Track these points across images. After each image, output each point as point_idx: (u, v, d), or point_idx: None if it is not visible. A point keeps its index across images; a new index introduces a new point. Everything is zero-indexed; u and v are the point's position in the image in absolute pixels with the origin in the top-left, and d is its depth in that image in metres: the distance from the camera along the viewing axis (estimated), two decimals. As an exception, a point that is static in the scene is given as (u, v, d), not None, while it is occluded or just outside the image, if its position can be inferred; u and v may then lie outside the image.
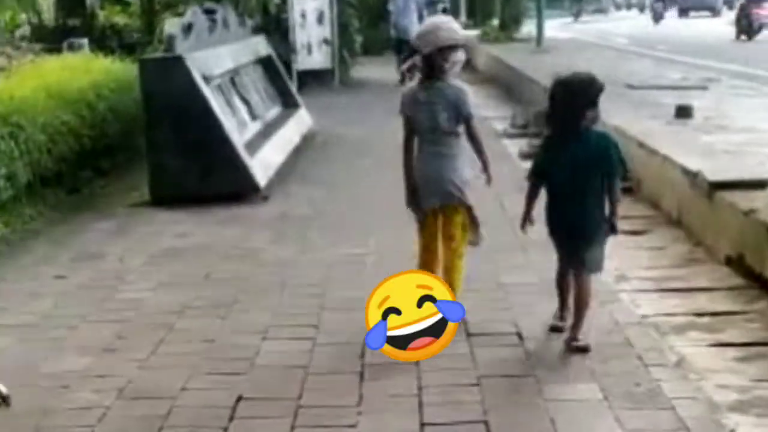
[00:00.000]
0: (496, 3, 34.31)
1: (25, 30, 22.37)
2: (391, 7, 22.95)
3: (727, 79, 17.58)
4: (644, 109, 12.72)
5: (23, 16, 23.08)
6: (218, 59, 10.84)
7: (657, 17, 38.14)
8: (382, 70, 23.60)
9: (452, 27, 5.94)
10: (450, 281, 5.76)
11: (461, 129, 5.97)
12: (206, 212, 9.20)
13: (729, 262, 7.08)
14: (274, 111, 13.40)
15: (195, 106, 9.41)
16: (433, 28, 5.91)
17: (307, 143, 13.24)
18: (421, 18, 20.78)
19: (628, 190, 9.68)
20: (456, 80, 5.95)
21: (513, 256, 7.37)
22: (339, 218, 8.86)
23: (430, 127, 5.97)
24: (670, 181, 8.57)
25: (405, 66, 6.85)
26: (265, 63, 13.92)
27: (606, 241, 5.69)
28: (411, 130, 6.16)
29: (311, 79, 20.77)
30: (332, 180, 10.74)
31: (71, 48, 15.67)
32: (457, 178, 5.95)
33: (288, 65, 20.04)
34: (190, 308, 6.42)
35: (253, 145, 10.65)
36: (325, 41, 20.85)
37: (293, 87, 14.47)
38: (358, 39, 22.78)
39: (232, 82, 11.70)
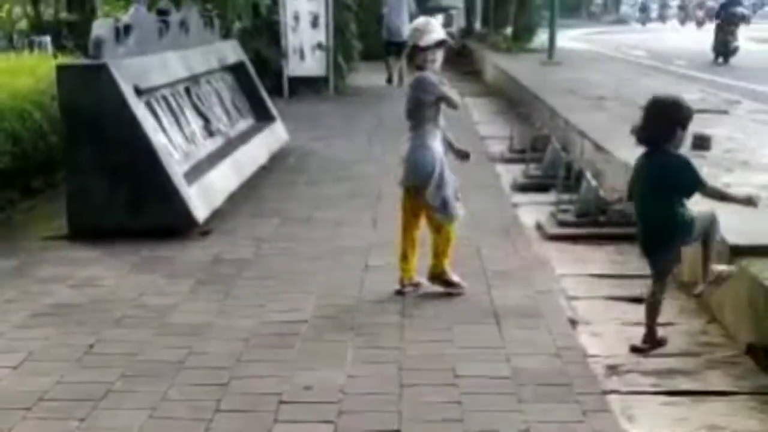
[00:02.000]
0: (510, 12, 32.61)
1: (23, 24, 21.18)
2: (384, 10, 22.14)
3: (749, 102, 15.94)
4: (657, 137, 11.13)
5: (17, 10, 21.83)
6: (164, 67, 9.31)
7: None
8: (381, 78, 22.04)
9: (431, 28, 6.39)
10: (435, 248, 6.57)
11: (433, 117, 6.46)
12: (128, 251, 7.69)
13: (752, 352, 5.51)
14: (243, 125, 11.86)
15: (121, 123, 7.91)
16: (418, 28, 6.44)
17: (276, 163, 11.71)
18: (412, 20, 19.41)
19: (632, 237, 8.13)
20: (428, 72, 6.38)
21: (477, 332, 5.78)
22: (281, 266, 7.33)
23: (407, 115, 6.56)
24: (682, 234, 6.98)
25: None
26: (236, 71, 12.36)
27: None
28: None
29: (303, 86, 19.28)
30: (290, 212, 9.20)
31: (31, 46, 14.22)
32: (422, 167, 6.46)
33: (279, 72, 18.59)
34: (45, 400, 4.88)
35: (201, 169, 9.12)
36: (320, 46, 19.33)
37: (267, 97, 12.89)
38: (356, 45, 21.19)
39: (187, 92, 10.15)
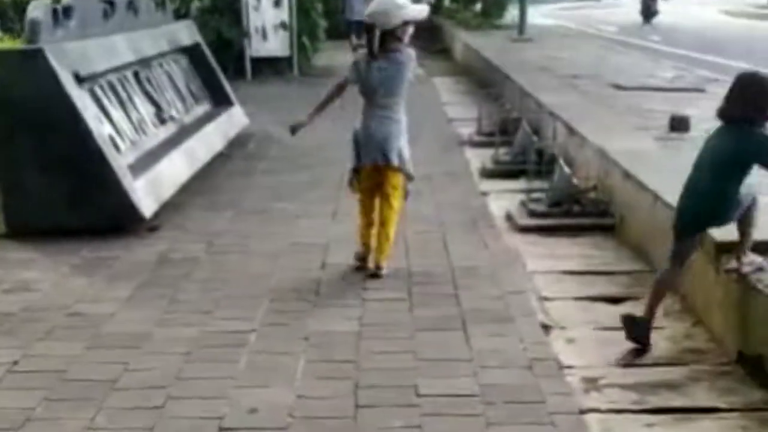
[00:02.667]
0: (480, -13, 32.03)
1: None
2: None
3: (728, 78, 15.48)
4: (632, 118, 10.66)
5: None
6: (109, 51, 8.75)
7: (646, 12, 31.71)
8: (347, 57, 21.40)
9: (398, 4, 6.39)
10: (386, 233, 6.53)
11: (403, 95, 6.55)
12: (68, 251, 7.16)
13: (742, 360, 5.05)
14: (199, 110, 11.30)
15: (58, 113, 7.35)
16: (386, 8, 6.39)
17: (235, 149, 11.16)
18: None
19: (608, 228, 7.68)
20: (407, 49, 6.48)
21: (442, 342, 5.29)
22: (232, 266, 6.81)
23: (383, 92, 6.50)
24: (662, 228, 6.49)
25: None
26: (191, 53, 11.79)
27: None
28: (341, 86, 6.92)
29: (267, 67, 18.69)
30: (246, 203, 8.68)
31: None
32: (401, 143, 6.57)
33: (241, 53, 18.01)
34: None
35: (150, 159, 8.56)
36: (283, 25, 18.73)
37: (224, 81, 12.32)
38: (322, 23, 20.56)
39: (136, 77, 9.58)
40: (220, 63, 17.72)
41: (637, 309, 5.92)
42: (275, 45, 18.72)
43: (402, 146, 6.57)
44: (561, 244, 7.43)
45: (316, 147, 11.34)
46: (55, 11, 7.94)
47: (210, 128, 10.65)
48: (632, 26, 31.49)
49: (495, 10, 29.43)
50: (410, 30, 6.48)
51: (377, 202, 6.63)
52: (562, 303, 6.10)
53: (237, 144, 11.40)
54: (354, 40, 22.53)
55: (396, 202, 6.59)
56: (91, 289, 6.30)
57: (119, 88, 8.90)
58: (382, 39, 6.39)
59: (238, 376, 4.88)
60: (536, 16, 33.37)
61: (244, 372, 4.93)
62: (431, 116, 13.67)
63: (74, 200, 7.47)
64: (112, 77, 8.83)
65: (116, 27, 9.40)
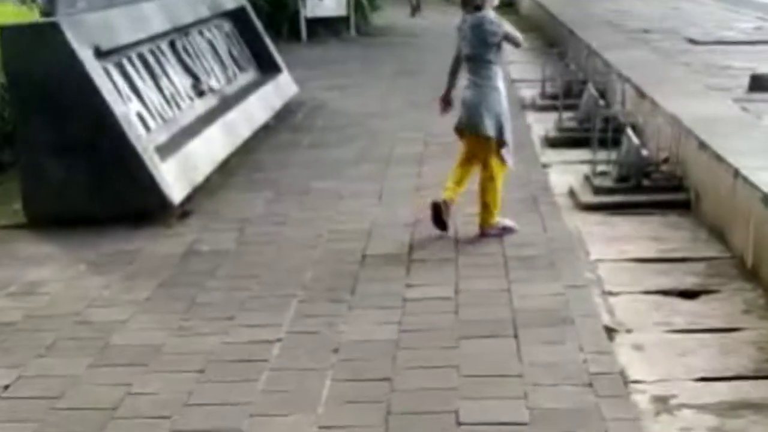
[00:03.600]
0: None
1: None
2: None
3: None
4: (708, 77, 9.82)
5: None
6: (138, 21, 8.17)
7: None
8: (406, 15, 20.71)
9: None
10: (481, 200, 6.36)
11: (496, 59, 6.31)
12: (88, 244, 6.61)
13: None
14: (244, 79, 10.70)
15: (76, 91, 6.80)
16: None
17: (281, 120, 10.55)
18: None
19: (682, 205, 6.92)
20: (487, 11, 6.23)
21: (490, 352, 4.62)
22: (263, 259, 6.20)
23: (467, 56, 6.34)
24: (744, 207, 5.76)
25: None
26: (235, 18, 11.16)
27: None
28: (457, 57, 6.55)
29: (323, 28, 18.00)
30: (287, 182, 8.07)
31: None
32: (491, 111, 6.24)
33: (296, 13, 17.35)
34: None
35: (183, 137, 7.99)
36: (340, -16, 18.02)
37: (272, 46, 11.67)
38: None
39: (172, 47, 8.99)
40: (275, 25, 17.28)
41: (714, 304, 5.22)
42: (331, 4, 18.05)
43: (497, 115, 6.25)
44: (629, 225, 6.71)
45: (368, 115, 10.74)
46: (74, -19, 7.34)
47: (253, 99, 10.03)
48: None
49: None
50: None
51: (473, 167, 6.45)
52: (630, 299, 5.38)
53: (284, 114, 10.79)
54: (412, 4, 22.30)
55: (490, 171, 6.33)
56: (106, 290, 5.73)
57: (151, 61, 8.32)
58: None
59: (255, 400, 4.26)
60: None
61: (262, 395, 4.31)
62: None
63: (96, 187, 6.93)
64: (143, 49, 8.25)
65: (148, -6, 8.79)
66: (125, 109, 7.05)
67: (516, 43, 6.39)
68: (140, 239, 6.64)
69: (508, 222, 6.44)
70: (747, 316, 5.05)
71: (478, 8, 6.21)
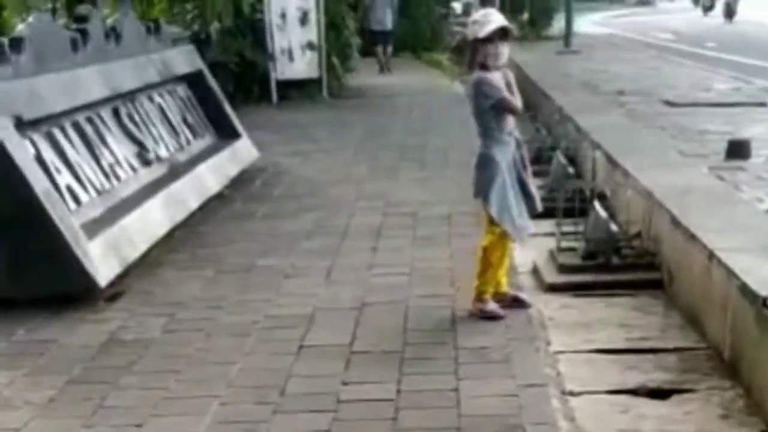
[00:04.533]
0: (525, -3, 30.64)
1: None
2: (367, 2, 22.83)
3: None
4: (684, 142, 9.27)
5: None
6: (73, 87, 7.55)
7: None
8: (389, 76, 20.19)
9: (491, 18, 5.62)
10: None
11: (492, 124, 5.74)
12: (1, 329, 5.94)
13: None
14: (198, 145, 10.10)
15: (-7, 166, 6.13)
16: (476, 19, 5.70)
17: (238, 188, 9.92)
18: (399, 10, 23.59)
19: (654, 285, 6.31)
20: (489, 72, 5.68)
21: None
22: (190, 350, 5.55)
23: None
24: (720, 293, 5.15)
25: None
26: (191, 82, 10.58)
27: None
28: None
29: (295, 90, 17.45)
30: (231, 258, 7.44)
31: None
32: (480, 175, 5.80)
33: (266, 75, 16.82)
34: None
35: (120, 210, 7.34)
36: (310, 45, 17.50)
37: (230, 111, 11.07)
38: (355, 41, 19.32)
39: (115, 114, 8.39)
40: (245, 87, 16.77)
41: (688, 407, 4.60)
42: (302, 66, 17.50)
43: (484, 180, 5.76)
44: (596, 308, 6.10)
45: (329, 182, 10.14)
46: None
47: (206, 167, 9.42)
48: (689, 33, 29.88)
49: (542, 20, 28.05)
50: (494, 50, 5.61)
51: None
52: (592, 400, 4.75)
53: (241, 182, 10.16)
54: (379, 51, 22.74)
55: (482, 239, 5.88)
56: (8, 388, 5.06)
57: (88, 130, 7.72)
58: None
59: None
60: (587, 24, 32.01)
61: None
62: (462, 141, 12.34)
63: (14, 267, 6.28)
64: (79, 117, 7.65)
65: (90, 59, 8.20)
66: (47, 183, 6.40)
67: (511, 111, 5.74)
68: (59, 326, 5.99)
69: (491, 306, 5.82)
70: (725, 422, 4.42)
71: (484, 67, 5.66)
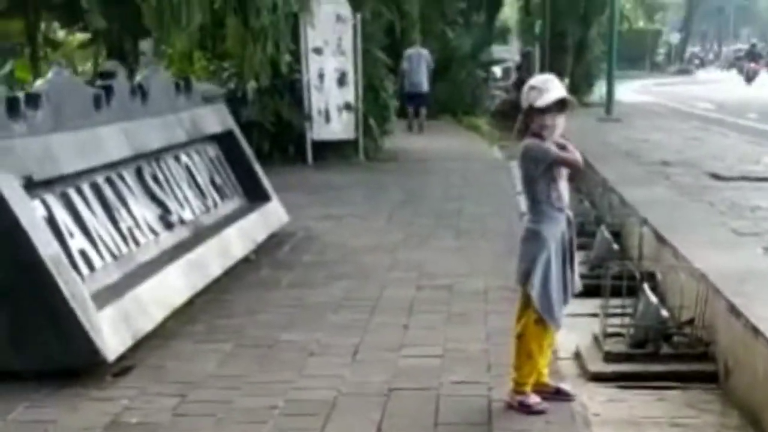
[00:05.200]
0: (567, 63, 30.19)
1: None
2: (404, 65, 22.60)
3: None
4: (735, 219, 8.68)
5: None
6: (92, 147, 7.12)
7: (749, 77, 37.02)
8: (427, 139, 19.72)
9: (550, 86, 5.07)
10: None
11: (546, 194, 5.14)
12: (1, 408, 5.41)
13: None
14: (226, 208, 9.62)
15: (-3, 228, 5.66)
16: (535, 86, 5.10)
17: (266, 253, 9.42)
18: (433, 75, 23.52)
19: (708, 378, 5.70)
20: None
21: None
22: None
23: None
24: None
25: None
26: (221, 142, 10.14)
27: None
28: None
29: (330, 152, 17.00)
30: (253, 331, 6.92)
31: None
32: (523, 255, 5.21)
33: (302, 136, 16.40)
34: None
35: (133, 278, 6.86)
36: (347, 107, 17.08)
37: (260, 172, 10.59)
38: (393, 103, 18.90)
39: (138, 175, 7.94)
40: (280, 147, 16.34)
41: None
42: (339, 127, 17.08)
43: (527, 260, 5.20)
44: (645, 403, 5.54)
45: (361, 249, 9.61)
46: (11, 101, 6.30)
47: (232, 231, 8.93)
48: (729, 103, 29.29)
49: (582, 87, 27.58)
50: (550, 121, 5.06)
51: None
52: None
53: (269, 246, 9.66)
54: (410, 111, 22.71)
55: (520, 326, 5.29)
56: (-6, 478, 4.54)
57: (107, 191, 7.25)
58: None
59: None
60: (627, 92, 31.49)
61: None
62: (500, 208, 11.86)
63: (18, 338, 5.78)
64: (98, 177, 7.19)
65: (114, 117, 7.76)
66: (55, 248, 5.92)
67: (571, 165, 5.20)
68: (61, 404, 5.47)
69: (531, 399, 5.24)
70: None
71: (537, 137, 5.11)
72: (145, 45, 25.96)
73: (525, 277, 5.23)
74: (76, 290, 5.88)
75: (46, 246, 5.80)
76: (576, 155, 5.18)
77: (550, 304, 5.20)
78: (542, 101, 5.02)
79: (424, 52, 23.48)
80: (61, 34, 27.09)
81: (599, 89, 26.86)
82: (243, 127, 14.86)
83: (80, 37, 25.56)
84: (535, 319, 5.24)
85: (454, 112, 27.11)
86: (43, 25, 24.39)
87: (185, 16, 15.04)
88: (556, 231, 5.20)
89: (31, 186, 6.08)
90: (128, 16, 16.46)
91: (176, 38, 16.56)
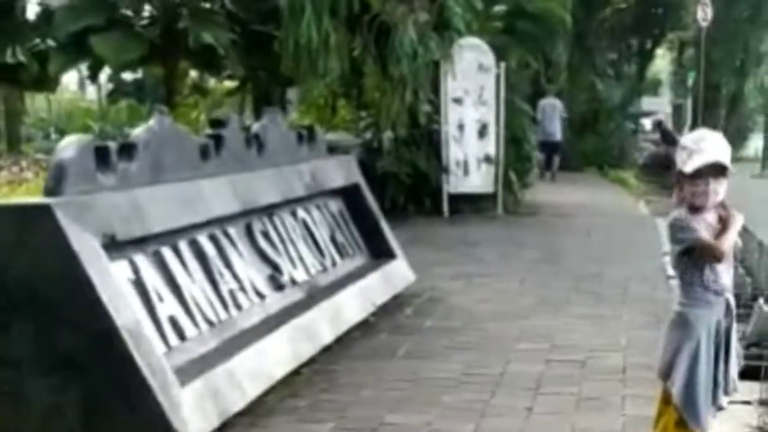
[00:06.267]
0: (719, 115, 28.72)
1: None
2: (538, 115, 22.15)
3: None
4: None
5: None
6: (194, 201, 6.46)
7: None
8: (569, 191, 18.70)
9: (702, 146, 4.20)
10: None
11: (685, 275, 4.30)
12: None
13: None
14: (346, 267, 8.87)
15: (69, 294, 5.05)
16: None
17: (386, 315, 8.64)
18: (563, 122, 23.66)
19: None
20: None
21: None
22: None
23: None
24: None
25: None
26: (345, 196, 9.42)
27: None
28: None
29: (467, 204, 16.16)
30: (356, 410, 6.13)
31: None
32: (666, 344, 4.39)
33: (439, 187, 15.63)
34: None
35: (229, 348, 6.14)
36: (487, 159, 16.24)
37: (386, 228, 9.80)
38: (535, 155, 17.98)
39: (248, 232, 7.26)
40: (416, 199, 15.60)
41: None
42: (478, 181, 16.24)
43: (670, 351, 4.39)
44: None
45: (489, 315, 8.75)
46: (101, 150, 5.69)
47: (349, 292, 8.17)
48: None
49: (737, 140, 26.12)
50: (702, 187, 4.25)
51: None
52: None
53: (390, 308, 8.87)
54: (543, 166, 22.42)
55: (655, 423, 4.53)
56: None
57: (208, 249, 6.58)
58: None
59: None
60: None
61: None
62: (644, 271, 10.81)
63: (88, 414, 5.12)
64: (199, 234, 6.53)
65: (223, 168, 7.12)
66: (134, 316, 5.23)
67: (711, 256, 4.25)
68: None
69: None
70: None
71: (690, 205, 4.32)
72: (293, 93, 25.80)
73: (667, 371, 4.37)
74: (156, 364, 5.18)
75: (122, 313, 5.12)
76: (724, 243, 4.23)
77: (694, 405, 4.29)
78: (691, 165, 4.19)
79: (558, 102, 23.84)
80: (212, 82, 27.26)
81: (754, 143, 25.41)
82: (378, 179, 14.30)
83: (228, 84, 25.65)
84: (676, 420, 4.32)
85: (600, 165, 26.02)
86: (192, 73, 24.53)
87: (322, 64, 14.55)
88: (710, 318, 4.29)
89: (115, 245, 5.43)
90: (275, 64, 16.07)
91: (314, 86, 16.11)
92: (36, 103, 32.51)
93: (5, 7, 21.03)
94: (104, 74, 26.78)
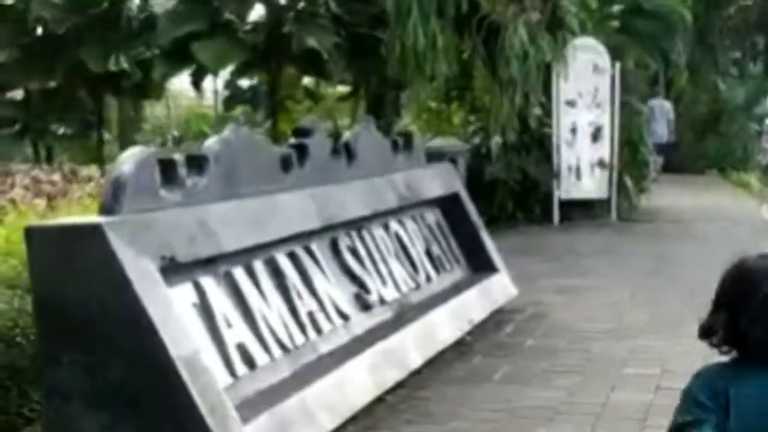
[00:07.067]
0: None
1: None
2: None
3: None
4: None
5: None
6: (270, 216, 5.95)
7: None
8: (688, 196, 17.73)
9: None
10: None
11: None
12: None
13: None
14: (443, 282, 8.29)
15: (121, 322, 4.58)
16: None
17: (482, 333, 8.01)
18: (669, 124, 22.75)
19: None
20: None
21: None
22: None
23: None
24: None
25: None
26: (443, 206, 8.84)
27: None
28: None
29: (579, 211, 15.36)
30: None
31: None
32: None
33: (548, 194, 14.90)
34: None
35: (305, 376, 5.62)
36: (601, 163, 15.42)
37: (488, 241, 9.16)
38: (652, 159, 17.05)
39: (333, 248, 6.74)
40: (525, 206, 14.89)
41: None
42: (590, 186, 15.43)
43: None
44: None
45: (595, 333, 8.08)
46: (166, 163, 5.22)
47: (443, 311, 7.59)
48: None
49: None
50: None
51: None
52: None
53: (488, 326, 8.25)
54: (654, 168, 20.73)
55: None
56: None
57: (286, 268, 6.07)
58: None
59: None
60: None
61: None
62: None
63: (141, 450, 4.62)
64: (277, 252, 6.04)
65: (307, 181, 6.61)
66: (192, 346, 4.74)
67: None
68: None
69: None
70: None
71: None
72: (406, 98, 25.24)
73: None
74: (215, 399, 4.69)
75: (179, 343, 4.64)
76: None
77: None
78: None
79: (667, 103, 23.06)
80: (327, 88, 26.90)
81: None
82: (486, 185, 13.66)
83: (341, 89, 25.27)
84: None
85: (722, 168, 24.80)
86: (306, 79, 24.22)
87: (429, 66, 13.97)
88: None
89: (176, 267, 4.95)
90: (385, 68, 15.58)
91: (421, 89, 15.54)
92: (156, 110, 32.73)
93: (110, 16, 21.05)
94: (220, 81, 26.75)
